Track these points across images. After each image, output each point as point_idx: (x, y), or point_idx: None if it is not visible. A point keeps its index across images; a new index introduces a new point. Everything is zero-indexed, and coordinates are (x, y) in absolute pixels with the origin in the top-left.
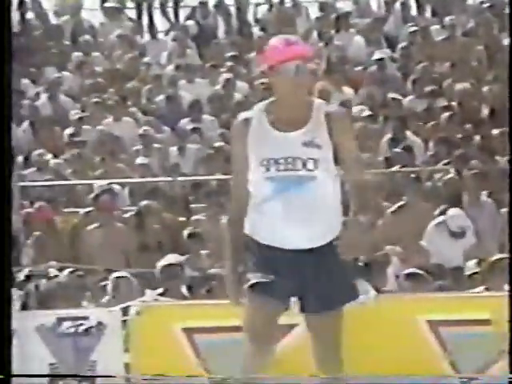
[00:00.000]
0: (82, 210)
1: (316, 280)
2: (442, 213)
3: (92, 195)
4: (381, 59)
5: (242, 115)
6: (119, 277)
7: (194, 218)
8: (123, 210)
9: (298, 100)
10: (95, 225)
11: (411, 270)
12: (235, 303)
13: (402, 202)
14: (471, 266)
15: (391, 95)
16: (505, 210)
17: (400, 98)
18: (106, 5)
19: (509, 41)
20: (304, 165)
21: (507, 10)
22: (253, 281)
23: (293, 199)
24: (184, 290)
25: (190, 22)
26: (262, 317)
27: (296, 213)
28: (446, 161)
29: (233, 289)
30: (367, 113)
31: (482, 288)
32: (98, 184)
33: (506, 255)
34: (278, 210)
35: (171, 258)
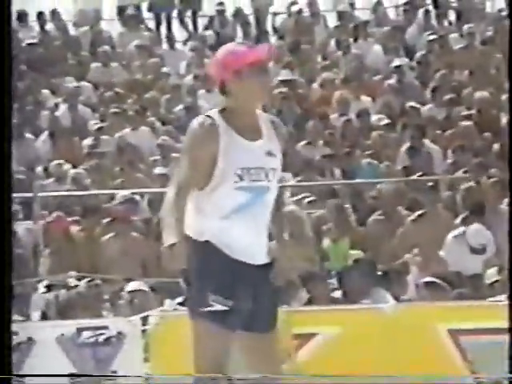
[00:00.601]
0: (100, 220)
1: (265, 298)
2: (464, 221)
3: (110, 204)
4: (399, 66)
5: (206, 119)
6: (134, 290)
7: None
8: (142, 219)
9: (262, 104)
10: (111, 234)
11: (430, 278)
12: (171, 267)
13: (421, 211)
14: (491, 274)
15: (410, 103)
16: None
17: (418, 106)
18: (125, 13)
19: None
20: (266, 175)
21: None
22: (214, 307)
23: (258, 211)
24: None
25: (209, 32)
26: (221, 346)
27: (260, 225)
28: (464, 169)
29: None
30: (386, 121)
31: (502, 296)
32: (120, 194)
33: None
34: (248, 222)
35: None
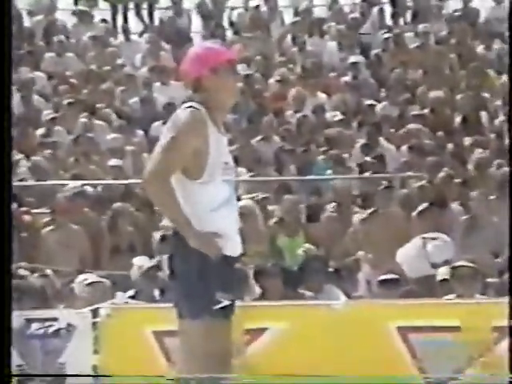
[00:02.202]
0: (46, 211)
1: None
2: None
3: (60, 196)
4: (354, 63)
5: (196, 111)
6: (91, 280)
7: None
8: (90, 211)
9: (235, 101)
10: (51, 227)
11: (385, 276)
12: (217, 253)
13: (373, 209)
14: (442, 272)
15: (365, 101)
16: (465, 217)
17: (374, 103)
18: (77, 8)
19: (508, 46)
20: (233, 170)
21: (480, 19)
22: (224, 303)
23: (235, 204)
24: (156, 293)
25: (165, 24)
26: (227, 338)
27: (236, 218)
28: (417, 168)
29: (207, 240)
30: (341, 118)
31: (452, 295)
32: (70, 185)
33: (468, 263)
34: (231, 214)
35: (143, 261)
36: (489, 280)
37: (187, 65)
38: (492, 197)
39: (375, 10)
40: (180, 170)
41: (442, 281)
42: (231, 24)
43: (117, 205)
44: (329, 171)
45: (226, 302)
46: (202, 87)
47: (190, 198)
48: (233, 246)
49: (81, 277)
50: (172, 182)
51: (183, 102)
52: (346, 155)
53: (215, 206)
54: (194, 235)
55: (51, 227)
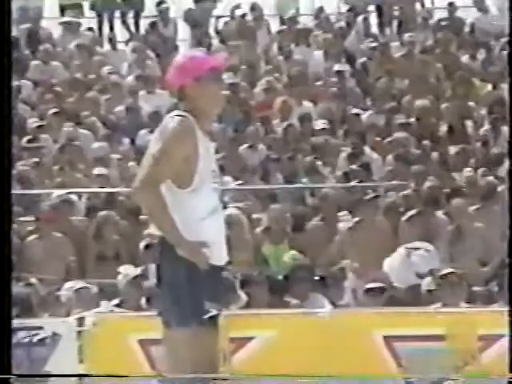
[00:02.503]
0: (30, 220)
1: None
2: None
3: (45, 204)
4: (340, 72)
5: (185, 119)
6: (77, 286)
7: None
8: (75, 219)
9: (220, 109)
10: (35, 236)
11: (370, 285)
12: (205, 262)
13: (358, 218)
14: (429, 281)
15: (351, 110)
16: (451, 226)
17: (360, 112)
18: (63, 19)
19: (508, 48)
20: (218, 178)
21: (466, 29)
22: (212, 313)
23: (221, 212)
24: (143, 301)
25: (151, 33)
26: (213, 346)
27: (223, 226)
28: (403, 177)
29: (196, 249)
30: (326, 127)
31: (438, 304)
32: (54, 194)
33: (453, 269)
34: (218, 222)
35: (128, 269)
36: (475, 289)
37: (171, 74)
38: (478, 206)
39: (360, 19)
40: (170, 179)
41: (428, 290)
42: (217, 32)
43: (102, 213)
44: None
45: (214, 311)
46: (187, 96)
47: (179, 206)
48: (219, 255)
49: (67, 284)
50: (162, 191)
51: (169, 111)
52: (332, 164)
53: (204, 214)
54: (182, 244)
55: (36, 235)
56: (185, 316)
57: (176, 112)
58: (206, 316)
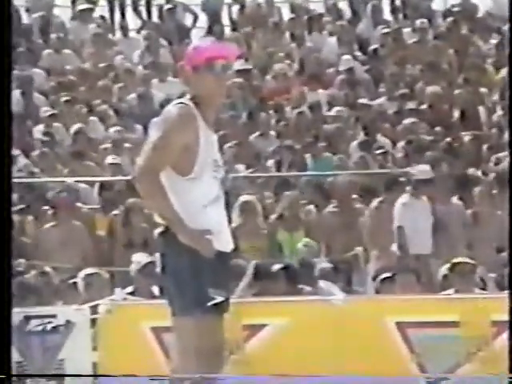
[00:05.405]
0: (45, 208)
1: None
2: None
3: (52, 193)
4: (353, 59)
5: (186, 106)
6: (91, 274)
7: None
8: (88, 208)
9: (221, 100)
10: (52, 223)
11: (387, 274)
12: (208, 249)
13: (373, 205)
14: (443, 268)
15: (363, 98)
16: (470, 211)
17: (371, 100)
18: (77, 7)
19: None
20: (221, 167)
21: (479, 14)
22: (216, 300)
23: (223, 200)
24: (155, 289)
25: (163, 21)
26: (219, 334)
27: (225, 214)
28: (415, 163)
29: (199, 236)
30: (339, 114)
31: (451, 290)
32: (66, 182)
33: (467, 259)
34: (221, 210)
35: (141, 257)
36: (490, 275)
37: (182, 61)
38: (493, 191)
39: (370, 5)
40: (170, 166)
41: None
42: (230, 20)
43: (130, 200)
44: (327, 167)
45: (219, 299)
46: (190, 85)
47: (180, 194)
48: (224, 242)
49: (81, 272)
50: (162, 178)
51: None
52: (344, 151)
53: (206, 202)
54: (185, 232)
55: (51, 224)
56: (188, 304)
57: (178, 100)
58: (210, 303)
